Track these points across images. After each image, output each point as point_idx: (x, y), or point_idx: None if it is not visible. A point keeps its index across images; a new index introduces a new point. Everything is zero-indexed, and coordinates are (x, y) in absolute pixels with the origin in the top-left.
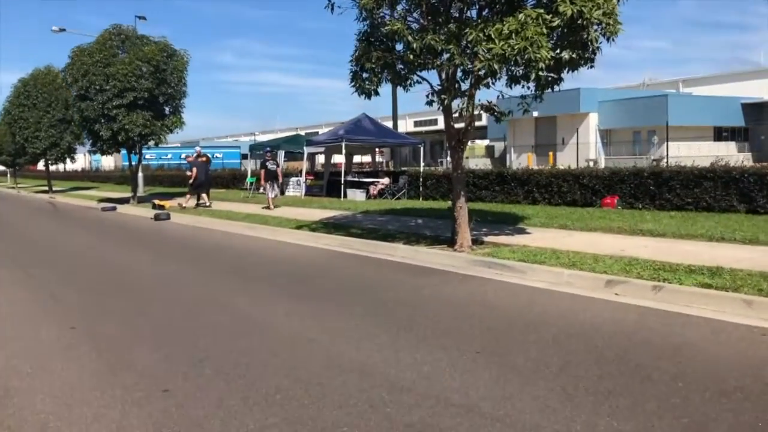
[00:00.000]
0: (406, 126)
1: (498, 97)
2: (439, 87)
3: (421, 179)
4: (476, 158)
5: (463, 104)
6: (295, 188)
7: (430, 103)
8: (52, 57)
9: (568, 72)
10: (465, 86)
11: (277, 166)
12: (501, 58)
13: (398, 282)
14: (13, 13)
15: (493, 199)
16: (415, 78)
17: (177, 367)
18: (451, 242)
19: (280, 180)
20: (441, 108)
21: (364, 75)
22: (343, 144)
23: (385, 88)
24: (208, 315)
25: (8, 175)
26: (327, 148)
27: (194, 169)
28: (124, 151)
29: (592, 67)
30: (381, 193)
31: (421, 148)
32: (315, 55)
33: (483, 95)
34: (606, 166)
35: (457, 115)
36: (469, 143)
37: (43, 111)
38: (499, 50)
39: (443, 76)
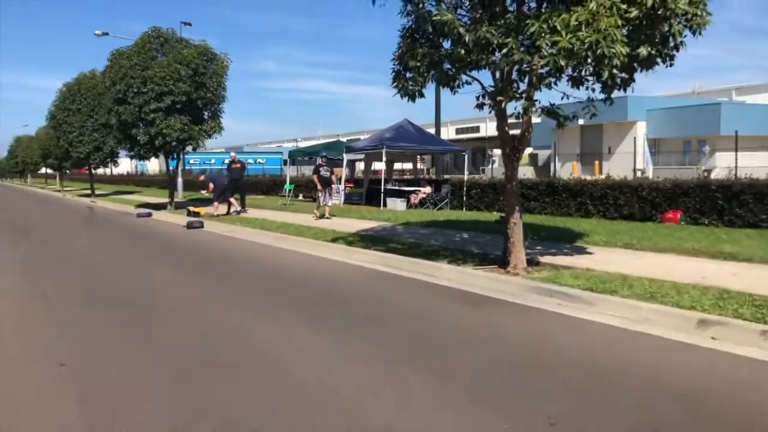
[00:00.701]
0: (447, 133)
1: (557, 101)
2: (492, 88)
3: (464, 188)
4: (520, 167)
5: (522, 107)
6: (334, 196)
7: (480, 106)
8: (99, 62)
9: (641, 71)
10: (523, 86)
11: (331, 172)
12: (568, 53)
13: (442, 311)
14: (61, 19)
15: (542, 210)
16: (464, 78)
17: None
18: (502, 262)
19: (335, 187)
20: (494, 111)
21: (408, 75)
22: (384, 151)
23: (428, 93)
24: (223, 352)
25: (57, 178)
26: (367, 155)
27: (210, 185)
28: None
29: (671, 65)
30: (422, 203)
31: (465, 156)
32: (356, 63)
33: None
34: (667, 178)
35: (514, 119)
36: None
37: (87, 115)
38: (567, 44)
39: (497, 75)
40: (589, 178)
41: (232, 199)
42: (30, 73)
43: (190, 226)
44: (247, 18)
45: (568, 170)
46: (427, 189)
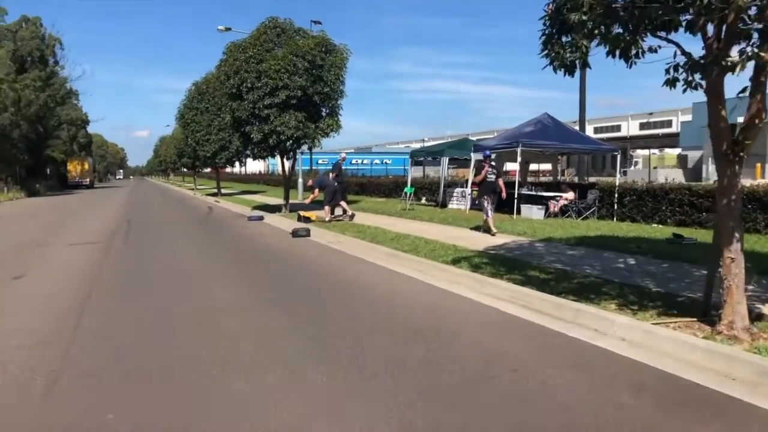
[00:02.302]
0: (628, 129)
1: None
2: (702, 54)
3: (615, 195)
4: (666, 168)
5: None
6: (459, 201)
7: (672, 83)
8: None
9: None
10: (748, 47)
11: (497, 175)
12: None
13: (631, 424)
14: (193, 19)
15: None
16: (649, 43)
17: None
18: (704, 312)
19: (504, 194)
20: (701, 86)
21: (564, 39)
22: (519, 149)
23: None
24: None
25: (193, 177)
26: (498, 155)
27: (316, 191)
28: (301, 156)
29: None
30: (563, 211)
31: (617, 157)
32: (486, 63)
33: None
34: None
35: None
36: (657, 152)
37: (213, 114)
38: None
39: (707, 34)
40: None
41: (343, 203)
42: (178, 78)
43: (295, 234)
44: (380, 19)
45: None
46: (570, 195)
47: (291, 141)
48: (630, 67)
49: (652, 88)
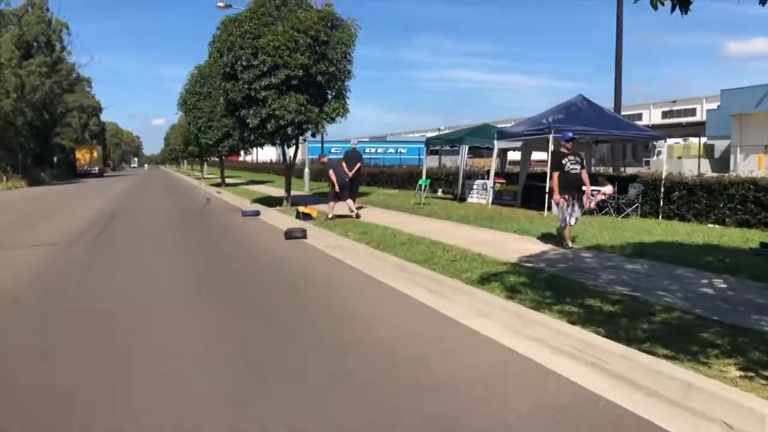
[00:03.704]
0: (650, 118)
1: None
2: None
3: (662, 189)
4: (691, 159)
5: None
6: (480, 194)
7: None
8: None
9: None
10: None
11: (581, 165)
12: None
13: None
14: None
15: None
16: None
17: None
18: None
19: (588, 191)
20: None
21: None
22: (551, 136)
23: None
24: None
25: (202, 165)
26: (525, 143)
27: (331, 173)
28: (310, 144)
29: None
30: (600, 207)
31: (664, 144)
32: (503, 51)
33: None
34: None
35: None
36: (681, 141)
37: (216, 100)
38: None
39: None
40: None
41: (350, 201)
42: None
43: (288, 235)
44: (394, 7)
45: (751, 164)
46: (608, 189)
47: (292, 126)
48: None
49: (670, 77)
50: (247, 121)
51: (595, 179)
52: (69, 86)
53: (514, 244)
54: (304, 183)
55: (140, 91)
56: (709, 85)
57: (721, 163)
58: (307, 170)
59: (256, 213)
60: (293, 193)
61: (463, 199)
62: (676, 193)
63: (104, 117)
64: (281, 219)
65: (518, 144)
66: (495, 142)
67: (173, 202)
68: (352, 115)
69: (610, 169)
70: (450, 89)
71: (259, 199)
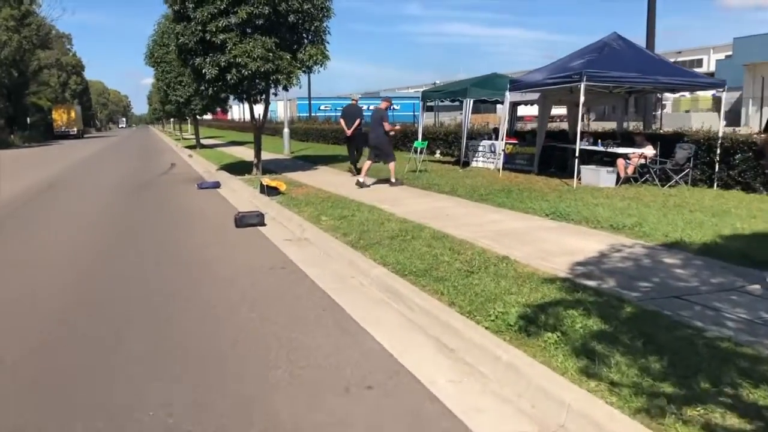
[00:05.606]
0: (709, 64)
1: None
2: None
3: (718, 151)
4: (700, 112)
5: None
6: (487, 157)
7: None
8: None
9: None
10: None
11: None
12: None
13: None
14: None
15: None
16: None
17: None
18: None
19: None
20: None
21: None
22: (583, 85)
23: None
24: None
25: (180, 126)
26: (544, 95)
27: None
28: (299, 101)
29: None
30: (640, 174)
31: (722, 96)
32: (498, 4)
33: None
34: None
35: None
36: (688, 94)
37: None
38: None
39: None
40: None
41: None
42: None
43: (240, 222)
44: None
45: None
46: (650, 151)
47: (258, 78)
48: None
49: (674, 28)
50: (203, 71)
51: (632, 139)
52: (41, 42)
53: (552, 236)
54: (284, 145)
55: (129, 49)
56: (717, 36)
57: (732, 116)
58: (286, 129)
59: (216, 185)
60: (271, 156)
61: (466, 164)
62: (739, 155)
63: (90, 76)
64: (243, 193)
65: (534, 96)
66: (507, 93)
67: (134, 167)
68: (343, 70)
69: (641, 125)
70: (446, 44)
71: (230, 165)
